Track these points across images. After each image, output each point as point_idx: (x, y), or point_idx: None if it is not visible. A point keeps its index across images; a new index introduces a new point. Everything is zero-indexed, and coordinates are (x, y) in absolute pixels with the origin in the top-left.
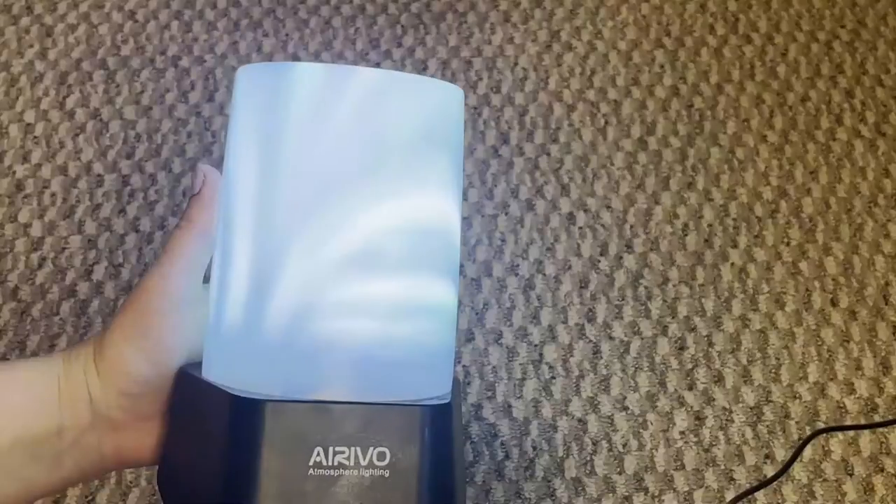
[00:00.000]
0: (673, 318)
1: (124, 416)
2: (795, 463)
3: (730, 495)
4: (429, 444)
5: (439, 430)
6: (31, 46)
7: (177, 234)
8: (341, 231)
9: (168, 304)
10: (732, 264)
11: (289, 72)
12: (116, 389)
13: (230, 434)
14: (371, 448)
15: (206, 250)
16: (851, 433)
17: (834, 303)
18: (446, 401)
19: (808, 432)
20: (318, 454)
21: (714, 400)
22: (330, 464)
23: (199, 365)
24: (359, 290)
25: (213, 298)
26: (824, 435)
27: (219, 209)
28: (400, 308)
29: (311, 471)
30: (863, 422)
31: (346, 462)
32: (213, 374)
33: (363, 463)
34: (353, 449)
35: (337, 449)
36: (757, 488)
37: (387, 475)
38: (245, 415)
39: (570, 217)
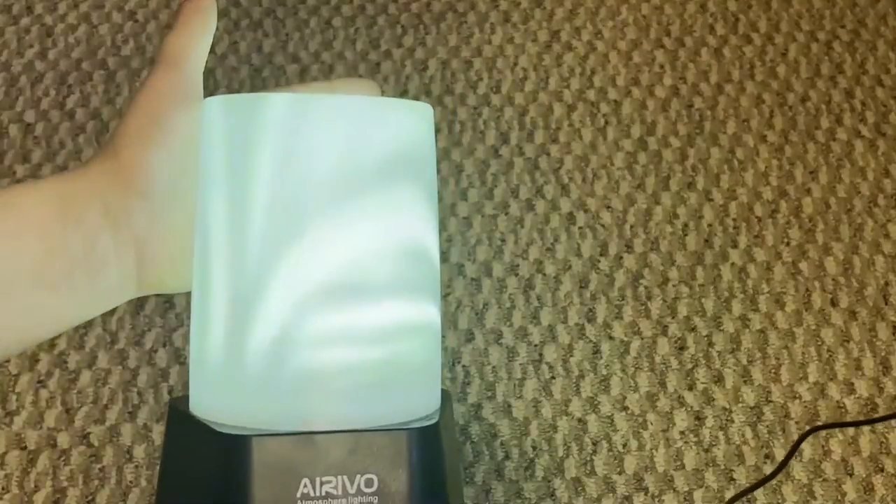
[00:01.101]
0: (673, 318)
1: (147, 224)
2: (795, 463)
3: (730, 495)
4: (417, 468)
5: (427, 452)
6: (31, 46)
7: (173, 39)
8: (317, 261)
9: (182, 96)
10: (732, 264)
11: (254, 104)
12: (136, 191)
13: (218, 471)
14: (358, 475)
15: (204, 47)
16: (851, 433)
17: (834, 303)
18: (433, 421)
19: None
20: (306, 485)
21: (714, 400)
22: (318, 494)
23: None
24: (338, 318)
25: (193, 333)
26: (824, 435)
27: (194, 242)
28: (381, 332)
29: (299, 503)
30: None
31: (334, 491)
32: (200, 409)
33: (351, 491)
34: (340, 478)
35: (324, 479)
36: (754, 487)
37: (375, 502)
38: (231, 451)
39: (570, 217)
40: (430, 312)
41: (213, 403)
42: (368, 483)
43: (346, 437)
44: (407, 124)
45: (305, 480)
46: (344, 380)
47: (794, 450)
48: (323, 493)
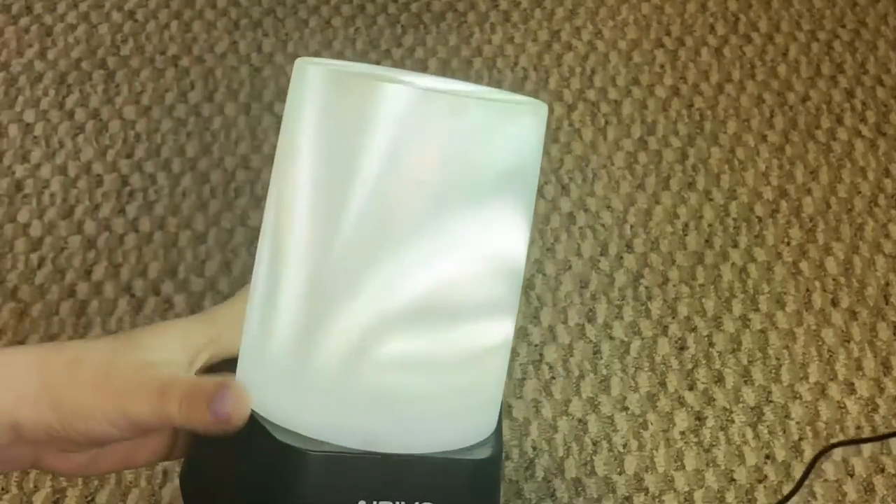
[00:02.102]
0: (673, 318)
1: (57, 444)
2: (796, 464)
3: (730, 496)
4: (473, 499)
5: (485, 485)
6: (31, 46)
7: (169, 407)
8: (409, 271)
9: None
10: (733, 264)
11: (363, 87)
12: (73, 429)
13: (272, 477)
14: (416, 502)
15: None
16: (852, 433)
17: (834, 303)
18: (492, 450)
19: (809, 433)
20: None
21: (714, 400)
22: None
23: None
24: (421, 337)
25: (255, 316)
26: (825, 436)
27: (269, 217)
28: (461, 357)
29: None
30: (863, 423)
31: None
32: (252, 398)
33: None
34: (397, 503)
35: (381, 502)
36: None
37: None
38: (290, 462)
39: (570, 217)
40: (507, 336)
41: (268, 397)
42: None
43: (407, 462)
44: (523, 131)
45: (362, 503)
46: (415, 402)
47: (810, 468)
48: None
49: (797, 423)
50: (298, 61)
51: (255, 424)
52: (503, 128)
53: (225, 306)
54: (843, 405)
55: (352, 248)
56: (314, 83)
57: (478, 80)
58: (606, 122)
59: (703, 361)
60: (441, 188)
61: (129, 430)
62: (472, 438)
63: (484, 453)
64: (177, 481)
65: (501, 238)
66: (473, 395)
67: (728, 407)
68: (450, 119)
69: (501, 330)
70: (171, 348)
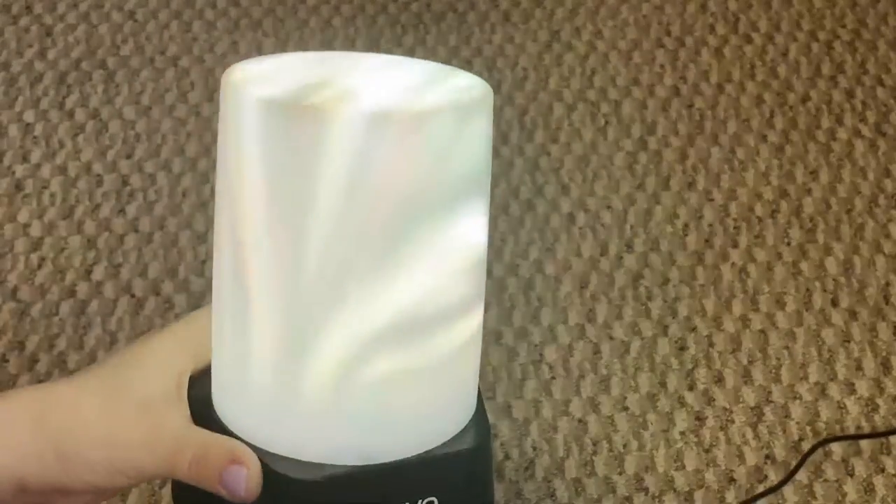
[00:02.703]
0: (673, 318)
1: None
2: (795, 463)
3: (730, 496)
4: (474, 485)
5: (481, 465)
6: (31, 46)
7: (189, 470)
8: (380, 293)
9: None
10: (733, 264)
11: (303, 117)
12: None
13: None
14: (420, 500)
15: None
16: (852, 432)
17: (834, 303)
18: (479, 437)
19: (809, 433)
20: None
21: (714, 400)
22: None
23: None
24: (399, 347)
25: (227, 351)
26: (825, 435)
27: (224, 253)
28: (439, 355)
29: None
30: (864, 423)
31: None
32: (237, 425)
33: None
34: None
35: None
36: (761, 495)
37: None
38: (290, 491)
39: (570, 217)
40: (479, 322)
41: (252, 424)
42: None
43: (404, 466)
44: (475, 125)
45: None
46: (404, 410)
47: (802, 461)
48: None
49: (797, 423)
50: (230, 81)
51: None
52: (455, 132)
53: (200, 317)
54: (843, 405)
55: (319, 277)
56: (253, 114)
57: None
58: (606, 122)
59: (703, 361)
60: (402, 203)
61: (137, 480)
62: (459, 426)
63: (473, 440)
64: None
65: (464, 236)
66: (455, 387)
67: (728, 407)
68: (400, 140)
69: (474, 320)
70: (158, 380)
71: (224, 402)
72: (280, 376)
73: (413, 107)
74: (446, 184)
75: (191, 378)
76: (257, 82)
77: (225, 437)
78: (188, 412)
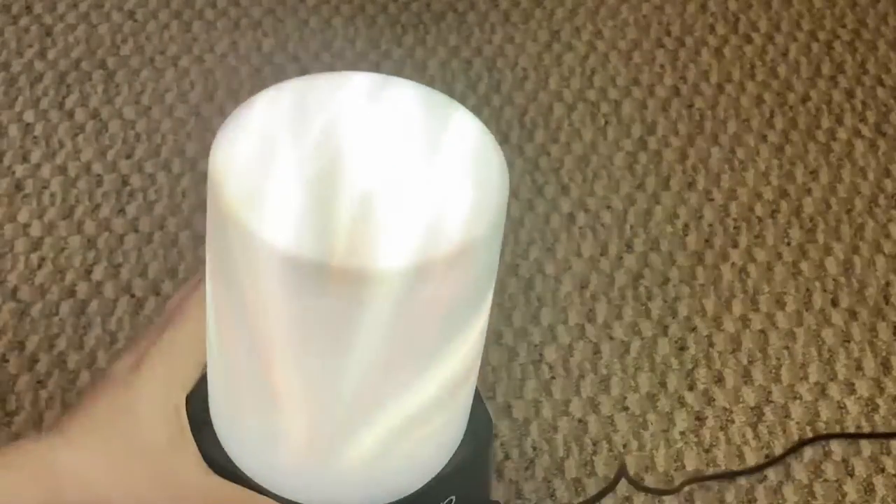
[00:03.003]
0: (673, 318)
1: None
2: (796, 463)
3: (730, 496)
4: (476, 482)
5: (478, 469)
6: (31, 46)
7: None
8: (401, 401)
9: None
10: (733, 264)
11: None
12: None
13: None
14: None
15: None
16: (851, 431)
17: (834, 303)
18: (474, 447)
19: (809, 433)
20: None
21: (714, 400)
22: None
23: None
24: (407, 435)
25: (223, 411)
26: (825, 435)
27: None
28: (439, 408)
29: None
30: (864, 423)
31: None
32: (259, 477)
33: None
34: None
35: None
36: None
37: None
38: None
39: (570, 217)
40: (476, 365)
41: (250, 464)
42: None
43: (411, 500)
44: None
45: None
46: (407, 459)
47: (788, 452)
48: None
49: (797, 423)
50: (225, 204)
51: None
52: (485, 248)
53: (175, 341)
54: (843, 405)
55: (348, 400)
56: (276, 267)
57: (478, 79)
58: (606, 122)
59: (703, 361)
60: (436, 327)
61: None
62: (455, 447)
63: (474, 443)
64: None
65: (479, 328)
66: (455, 424)
67: (728, 407)
68: (442, 278)
69: (474, 369)
70: (159, 425)
71: (242, 458)
72: (305, 461)
73: (453, 239)
74: (473, 291)
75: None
76: (255, 207)
77: (248, 493)
78: (199, 455)
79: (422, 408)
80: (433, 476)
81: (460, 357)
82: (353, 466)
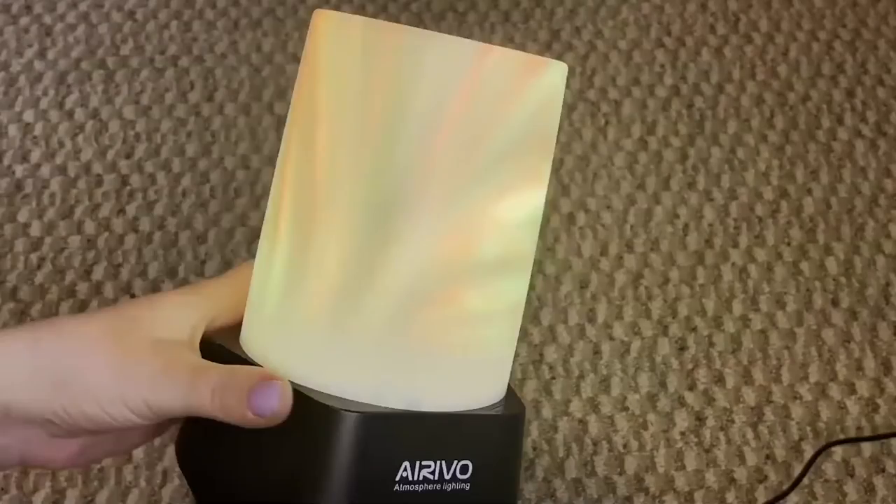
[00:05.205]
0: (673, 318)
1: (48, 436)
2: (797, 465)
3: (730, 496)
4: (507, 456)
5: (516, 437)
6: (30, 46)
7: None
8: (447, 229)
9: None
10: (733, 264)
11: (376, 32)
12: (76, 415)
13: (310, 442)
14: (455, 461)
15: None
16: (853, 433)
17: (835, 303)
18: (519, 406)
19: (809, 433)
20: (405, 469)
21: (715, 400)
22: (416, 479)
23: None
24: (455, 293)
25: (277, 282)
26: (825, 435)
27: (287, 180)
28: (490, 310)
29: (396, 486)
30: (864, 423)
31: (431, 476)
32: (274, 363)
33: (447, 477)
34: (438, 463)
35: (424, 463)
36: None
37: (467, 489)
38: (334, 425)
39: (570, 217)
40: (524, 294)
41: (295, 362)
42: (464, 469)
43: (449, 419)
44: (540, 87)
45: (406, 464)
46: (454, 359)
47: (808, 466)
48: (420, 478)
49: (797, 423)
50: (323, 14)
51: (299, 395)
52: (513, 85)
53: (221, 283)
54: (843, 405)
55: (390, 207)
56: (349, 36)
57: None
58: (606, 122)
59: (704, 361)
60: (482, 138)
61: (149, 418)
62: (496, 397)
63: (515, 408)
64: (177, 482)
65: (526, 191)
66: (497, 349)
67: (728, 407)
68: (484, 70)
69: (521, 284)
70: (171, 326)
71: (261, 341)
72: (335, 310)
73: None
74: (520, 128)
75: (202, 341)
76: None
77: (250, 366)
78: (201, 358)
79: (460, 269)
80: (461, 408)
81: (515, 232)
82: (377, 333)
